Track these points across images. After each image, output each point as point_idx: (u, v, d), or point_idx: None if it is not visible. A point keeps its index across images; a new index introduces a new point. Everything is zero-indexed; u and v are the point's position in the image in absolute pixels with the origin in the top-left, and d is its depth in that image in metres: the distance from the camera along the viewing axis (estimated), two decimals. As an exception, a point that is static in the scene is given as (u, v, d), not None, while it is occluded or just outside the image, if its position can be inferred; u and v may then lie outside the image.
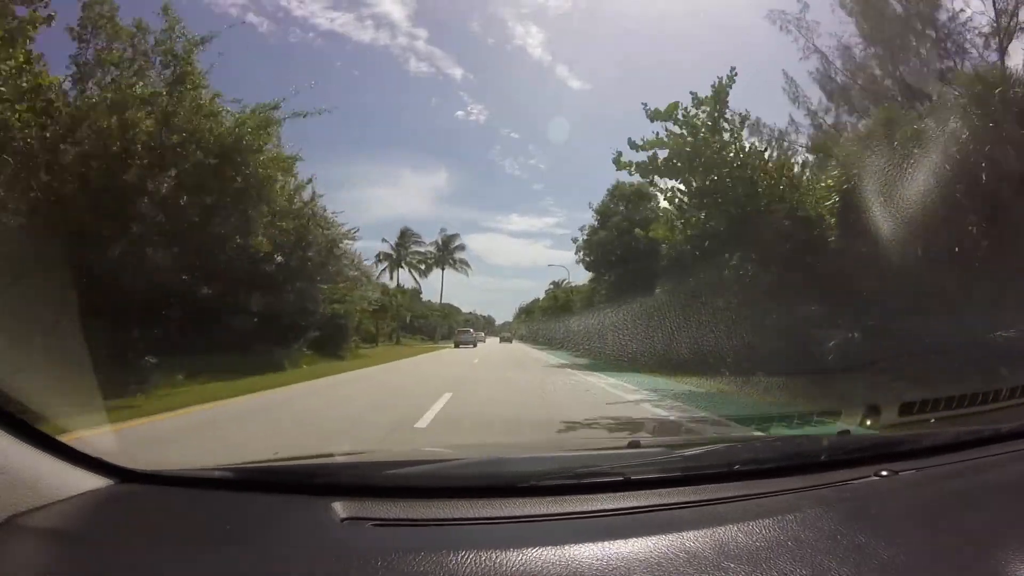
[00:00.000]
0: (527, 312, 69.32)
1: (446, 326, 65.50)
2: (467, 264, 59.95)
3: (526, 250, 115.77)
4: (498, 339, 62.49)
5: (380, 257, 51.64)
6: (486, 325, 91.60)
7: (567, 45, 70.78)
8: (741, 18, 41.58)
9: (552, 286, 50.94)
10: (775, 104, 32.01)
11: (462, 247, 60.26)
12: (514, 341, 56.87)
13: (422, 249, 56.52)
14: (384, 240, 55.41)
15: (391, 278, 51.81)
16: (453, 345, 40.14)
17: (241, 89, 66.03)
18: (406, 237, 55.70)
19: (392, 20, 71.99)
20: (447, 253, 58.70)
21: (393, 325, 46.36)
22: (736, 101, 13.98)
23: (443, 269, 59.63)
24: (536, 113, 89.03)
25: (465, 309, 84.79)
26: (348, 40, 68.33)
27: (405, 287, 62.88)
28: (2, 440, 1.13)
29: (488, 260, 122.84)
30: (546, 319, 43.93)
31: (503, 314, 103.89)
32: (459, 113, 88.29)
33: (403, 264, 54.70)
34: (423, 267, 56.62)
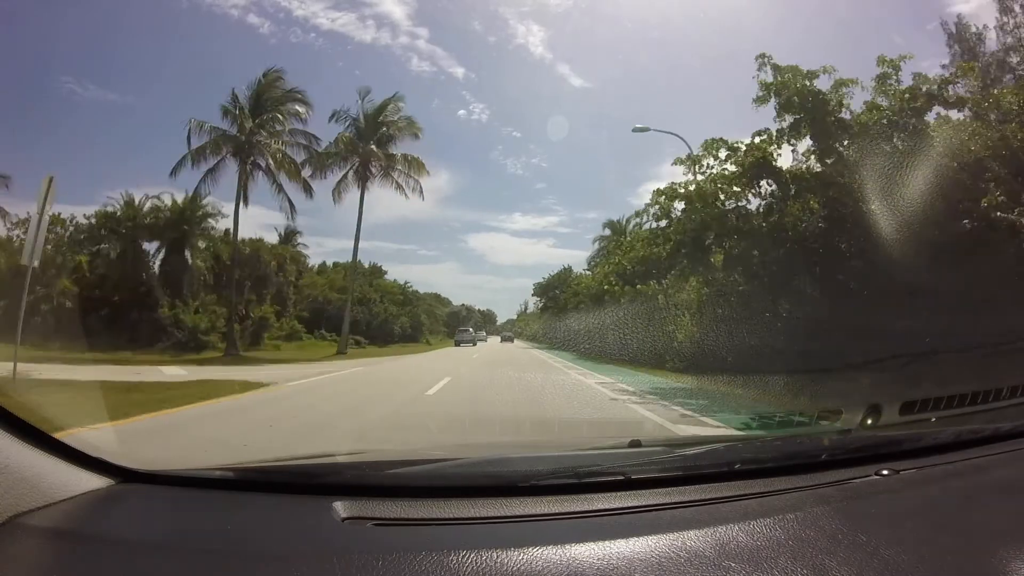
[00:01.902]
0: (546, 291, 45.00)
1: (406, 320, 38.77)
2: (422, 167, 27.38)
3: (529, 249, 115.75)
4: (499, 338, 62.22)
5: (193, 152, 21.72)
6: (486, 323, 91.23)
7: (568, 43, 70.87)
8: (740, 15, 41.67)
9: (608, 233, 25.68)
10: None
11: (414, 131, 27.26)
12: (515, 340, 56.46)
13: (310, 131, 24.41)
14: (225, 108, 22.18)
15: (238, 196, 22.36)
16: (454, 344, 39.92)
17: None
18: (266, 87, 22.69)
19: (393, 20, 72.10)
20: (374, 145, 25.93)
21: (266, 314, 22.85)
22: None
23: (364, 184, 26.32)
24: (538, 112, 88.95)
25: (456, 301, 75.86)
26: (350, 40, 68.20)
27: (376, 266, 39.96)
28: (2, 440, 1.12)
29: (491, 259, 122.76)
30: (610, 296, 20.60)
31: (507, 312, 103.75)
32: (461, 112, 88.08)
33: (255, 158, 22.30)
34: (314, 170, 24.55)
